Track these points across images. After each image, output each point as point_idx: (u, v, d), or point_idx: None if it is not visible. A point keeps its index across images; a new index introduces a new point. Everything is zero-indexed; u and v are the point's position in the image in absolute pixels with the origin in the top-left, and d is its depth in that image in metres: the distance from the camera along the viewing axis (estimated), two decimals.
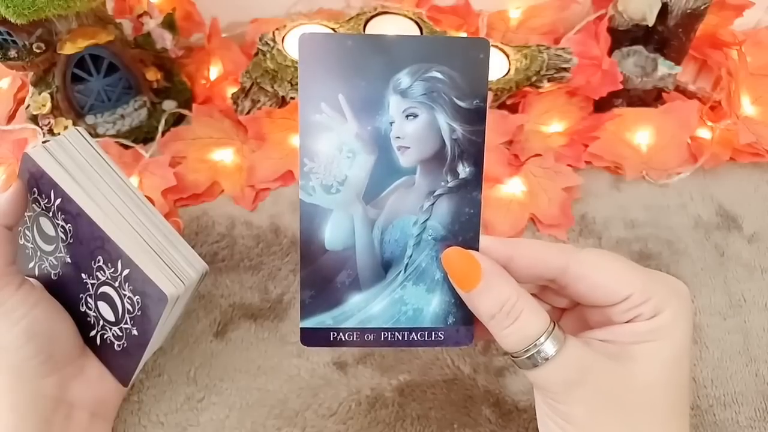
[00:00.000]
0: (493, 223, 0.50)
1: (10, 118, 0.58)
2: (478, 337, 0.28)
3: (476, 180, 0.26)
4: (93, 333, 0.38)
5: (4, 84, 0.60)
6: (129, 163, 0.53)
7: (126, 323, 0.36)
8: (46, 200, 0.36)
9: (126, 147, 0.55)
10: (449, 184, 0.26)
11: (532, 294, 0.26)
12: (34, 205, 0.37)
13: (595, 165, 0.54)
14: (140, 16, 0.55)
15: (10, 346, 0.34)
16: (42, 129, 0.54)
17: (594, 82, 0.54)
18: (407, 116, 0.26)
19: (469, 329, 0.28)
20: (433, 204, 0.27)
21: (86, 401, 0.37)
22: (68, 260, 0.37)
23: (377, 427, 0.40)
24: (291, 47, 0.54)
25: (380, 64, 0.25)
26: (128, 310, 0.35)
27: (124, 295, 0.35)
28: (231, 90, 0.57)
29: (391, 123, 0.26)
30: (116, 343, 0.37)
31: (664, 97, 0.57)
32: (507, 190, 0.52)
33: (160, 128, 0.56)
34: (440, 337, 0.28)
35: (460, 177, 0.26)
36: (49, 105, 0.53)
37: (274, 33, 0.54)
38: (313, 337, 0.27)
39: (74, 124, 0.54)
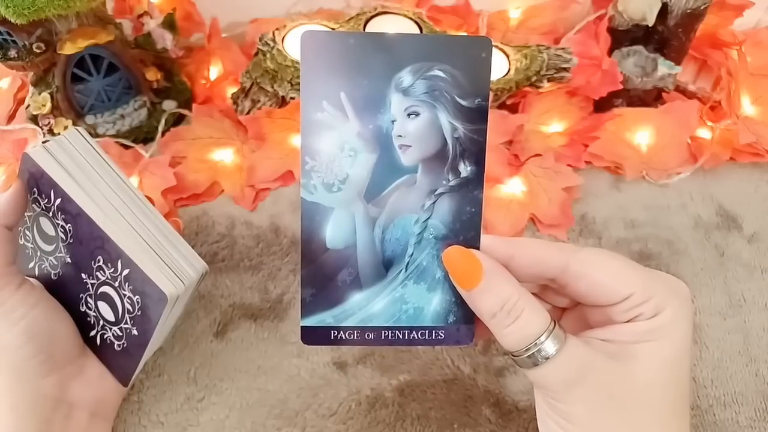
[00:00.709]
0: (494, 223, 0.50)
1: (10, 118, 0.58)
2: (479, 336, 0.28)
3: (477, 179, 0.26)
4: (93, 333, 0.38)
5: (4, 84, 0.60)
6: (129, 163, 0.53)
7: (126, 323, 0.36)
8: (46, 200, 0.36)
9: (126, 147, 0.55)
10: (450, 183, 0.26)
11: (532, 293, 0.26)
12: (34, 205, 0.37)
13: (595, 165, 0.54)
14: (140, 16, 0.55)
15: (9, 346, 0.34)
16: (42, 129, 0.54)
17: (594, 82, 0.54)
18: (409, 115, 0.26)
19: (470, 328, 0.28)
20: (434, 203, 0.27)
21: (86, 401, 0.37)
22: (68, 260, 0.37)
23: (377, 427, 0.40)
24: (291, 47, 0.54)
25: (382, 63, 0.25)
26: (128, 310, 0.35)
27: (124, 295, 0.35)
28: (231, 90, 0.57)
29: (393, 121, 0.26)
30: (116, 343, 0.37)
31: (664, 97, 0.57)
32: (507, 190, 0.52)
33: (160, 128, 0.56)
34: (441, 336, 0.28)
35: (462, 176, 0.26)
36: (49, 105, 0.53)
37: (274, 33, 0.54)
38: (313, 336, 0.27)
39: (74, 124, 0.54)
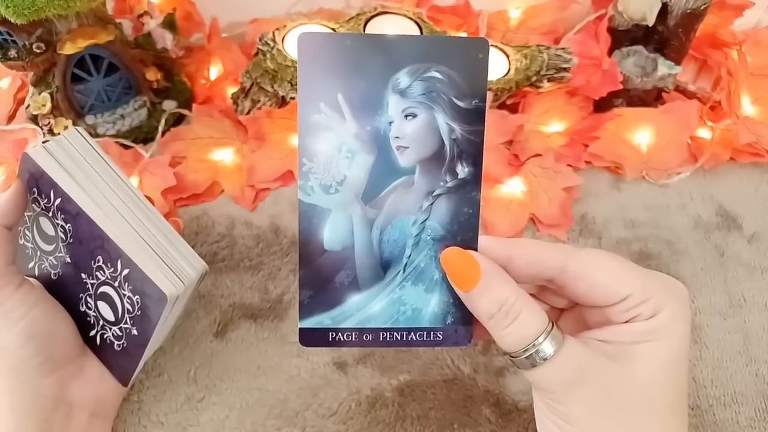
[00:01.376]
0: (493, 223, 0.50)
1: (10, 118, 0.58)
2: (477, 337, 0.28)
3: (475, 180, 0.26)
4: (93, 333, 0.38)
5: (4, 84, 0.60)
6: (129, 163, 0.53)
7: (126, 323, 0.36)
8: (45, 200, 0.36)
9: (126, 147, 0.55)
10: (448, 184, 0.26)
11: (530, 294, 0.26)
12: (33, 205, 0.37)
13: (595, 165, 0.54)
14: (140, 16, 0.55)
15: (9, 346, 0.34)
16: (42, 129, 0.54)
17: (594, 82, 0.54)
18: (406, 116, 0.26)
19: (468, 329, 0.28)
20: (432, 204, 0.27)
21: (86, 401, 0.37)
22: (68, 260, 0.37)
23: (377, 427, 0.40)
24: (291, 47, 0.54)
25: (379, 64, 0.25)
26: (128, 309, 0.35)
27: (124, 295, 0.35)
28: (231, 90, 0.57)
29: (390, 123, 0.26)
30: (116, 342, 0.37)
31: (664, 97, 0.57)
32: (507, 190, 0.52)
33: (160, 128, 0.56)
34: (439, 337, 0.28)
35: (459, 177, 0.26)
36: (49, 105, 0.53)
37: (274, 33, 0.54)
38: (311, 337, 0.27)
39: (74, 124, 0.54)
